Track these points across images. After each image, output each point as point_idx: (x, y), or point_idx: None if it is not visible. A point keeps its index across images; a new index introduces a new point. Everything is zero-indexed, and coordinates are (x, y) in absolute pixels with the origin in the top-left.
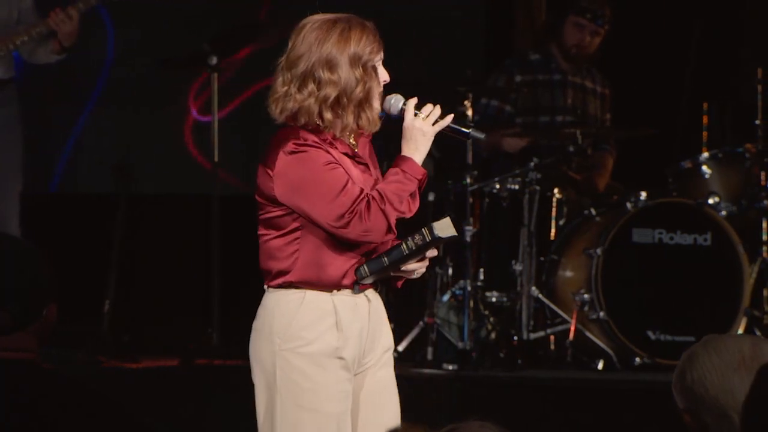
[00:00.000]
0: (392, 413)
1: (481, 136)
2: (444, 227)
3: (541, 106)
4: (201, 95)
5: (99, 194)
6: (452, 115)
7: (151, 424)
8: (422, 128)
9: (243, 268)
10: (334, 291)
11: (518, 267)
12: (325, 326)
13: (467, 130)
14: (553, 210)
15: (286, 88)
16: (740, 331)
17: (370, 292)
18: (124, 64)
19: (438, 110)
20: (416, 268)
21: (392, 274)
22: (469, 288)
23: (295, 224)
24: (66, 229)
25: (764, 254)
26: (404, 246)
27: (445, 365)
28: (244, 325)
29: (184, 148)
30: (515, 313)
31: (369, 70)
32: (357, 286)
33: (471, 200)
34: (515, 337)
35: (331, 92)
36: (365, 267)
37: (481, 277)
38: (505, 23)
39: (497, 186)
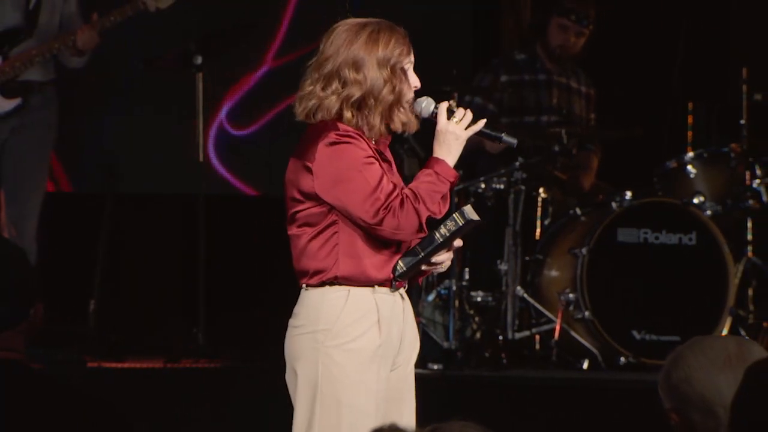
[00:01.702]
0: (411, 417)
1: (513, 141)
2: (472, 212)
3: (527, 106)
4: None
5: (85, 194)
6: (485, 120)
7: (137, 424)
8: (456, 132)
9: (229, 268)
10: (375, 287)
11: (503, 267)
12: (369, 323)
13: (500, 135)
14: (539, 210)
15: (311, 87)
16: (725, 330)
17: (403, 291)
18: (113, 63)
19: (470, 115)
20: (445, 259)
21: (423, 268)
22: (454, 287)
23: (332, 219)
24: (52, 229)
25: (749, 254)
26: (437, 235)
27: (430, 365)
28: (230, 326)
29: (170, 147)
30: (500, 313)
31: (398, 72)
32: (394, 283)
33: (456, 200)
34: (500, 337)
35: (356, 92)
36: (400, 262)
37: (467, 276)
38: (491, 23)
39: (482, 186)
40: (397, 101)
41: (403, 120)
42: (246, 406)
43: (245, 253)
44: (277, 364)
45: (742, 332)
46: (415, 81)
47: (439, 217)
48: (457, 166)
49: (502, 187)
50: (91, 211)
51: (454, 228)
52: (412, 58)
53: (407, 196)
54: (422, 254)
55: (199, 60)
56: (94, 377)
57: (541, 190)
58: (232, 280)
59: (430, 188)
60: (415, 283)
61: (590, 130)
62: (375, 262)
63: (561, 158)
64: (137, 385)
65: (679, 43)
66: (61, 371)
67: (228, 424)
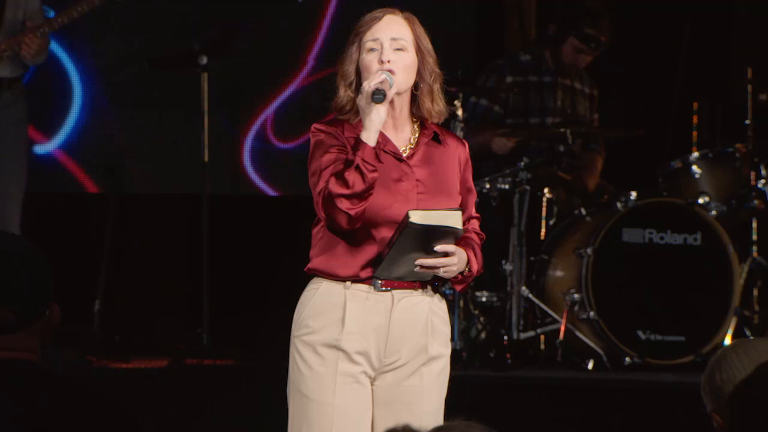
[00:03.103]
0: (416, 422)
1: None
2: (424, 216)
3: (532, 108)
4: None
5: (89, 194)
6: (367, 83)
7: (148, 425)
8: (359, 103)
9: (233, 268)
10: (348, 283)
11: (508, 267)
12: (331, 319)
13: (381, 92)
14: (544, 210)
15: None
16: (730, 331)
17: (402, 293)
18: (116, 64)
19: (376, 78)
20: (433, 264)
21: (418, 270)
22: None
23: None
24: (56, 229)
25: (754, 254)
26: (394, 235)
27: None
28: (234, 325)
29: (175, 148)
30: (505, 313)
31: (355, 47)
32: (377, 282)
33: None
34: (505, 337)
35: (338, 80)
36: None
37: None
38: (495, 24)
39: (487, 185)
40: (341, 76)
41: (353, 96)
42: (250, 406)
43: (250, 253)
44: (281, 363)
45: (747, 332)
46: (385, 55)
47: (359, 189)
48: None
49: (507, 187)
50: (96, 212)
51: (398, 233)
52: (377, 34)
53: (325, 185)
54: (385, 254)
55: (204, 60)
56: (99, 377)
57: (546, 190)
58: (236, 280)
59: (342, 166)
60: (451, 290)
61: (594, 131)
62: (346, 258)
63: (566, 159)
64: (141, 385)
65: (682, 43)
66: (65, 372)
67: (232, 423)
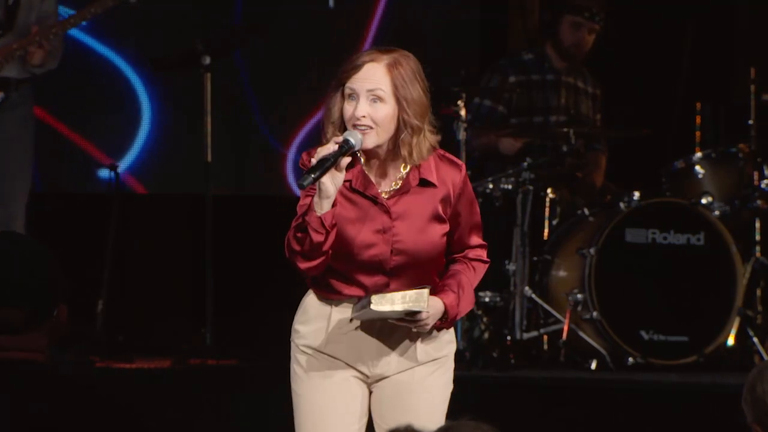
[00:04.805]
0: (411, 416)
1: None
2: (385, 301)
3: (535, 107)
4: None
5: (92, 193)
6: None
7: (150, 425)
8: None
9: (236, 268)
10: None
11: (511, 267)
12: (318, 326)
13: (329, 158)
14: (547, 210)
15: None
16: (733, 331)
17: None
18: (120, 61)
19: (326, 150)
20: (404, 326)
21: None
22: None
23: None
24: (59, 229)
25: (757, 254)
26: (365, 300)
27: None
28: (237, 325)
29: (179, 147)
30: (508, 313)
31: (333, 89)
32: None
33: None
34: (508, 337)
35: (324, 120)
36: (355, 304)
37: None
38: (499, 24)
39: (491, 186)
40: (326, 117)
41: (329, 138)
42: (253, 406)
43: (253, 253)
44: (284, 364)
45: (750, 333)
46: (353, 110)
47: (305, 250)
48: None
49: (510, 187)
50: (99, 212)
51: (360, 310)
52: (354, 84)
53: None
54: (354, 309)
55: (207, 60)
56: (102, 378)
57: (549, 190)
58: (239, 280)
59: (300, 220)
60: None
61: (599, 130)
62: (329, 289)
63: (569, 158)
64: (145, 385)
65: (686, 43)
66: (68, 372)
67: (235, 423)
